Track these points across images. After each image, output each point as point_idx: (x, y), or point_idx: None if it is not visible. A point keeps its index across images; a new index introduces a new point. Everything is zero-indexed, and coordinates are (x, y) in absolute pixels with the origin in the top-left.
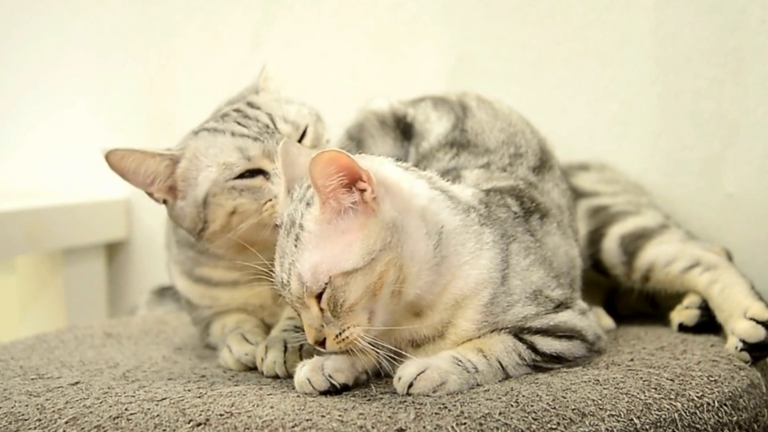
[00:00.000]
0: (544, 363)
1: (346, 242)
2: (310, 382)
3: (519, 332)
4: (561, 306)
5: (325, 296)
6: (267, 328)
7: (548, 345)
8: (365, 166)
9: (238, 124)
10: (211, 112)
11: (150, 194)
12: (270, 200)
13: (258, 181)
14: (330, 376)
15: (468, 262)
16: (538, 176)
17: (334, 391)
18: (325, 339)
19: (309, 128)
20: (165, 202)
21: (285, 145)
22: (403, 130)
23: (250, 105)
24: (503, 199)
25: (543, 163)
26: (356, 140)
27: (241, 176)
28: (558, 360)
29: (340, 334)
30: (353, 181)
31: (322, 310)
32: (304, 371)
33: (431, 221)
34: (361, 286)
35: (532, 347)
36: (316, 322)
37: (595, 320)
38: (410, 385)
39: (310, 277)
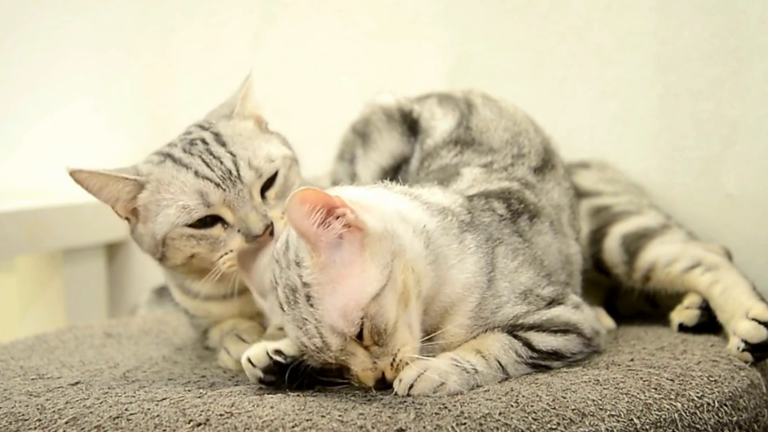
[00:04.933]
0: (542, 360)
1: (358, 269)
2: (250, 360)
3: (513, 329)
4: (553, 302)
5: (365, 331)
6: (264, 329)
7: (544, 341)
8: (334, 193)
9: (203, 162)
10: (186, 128)
11: (114, 209)
12: (226, 254)
13: (216, 230)
14: (278, 352)
15: (455, 266)
16: (538, 176)
17: (278, 370)
18: (383, 375)
19: (279, 175)
20: (128, 219)
21: (240, 257)
22: (410, 125)
23: (218, 138)
24: (488, 203)
25: (545, 163)
26: (362, 135)
27: (202, 222)
28: (556, 356)
29: (394, 360)
30: (330, 211)
31: (366, 348)
32: (246, 353)
33: (411, 221)
34: (393, 301)
35: (528, 344)
36: (368, 362)
37: (592, 314)
38: (410, 387)
39: (343, 322)
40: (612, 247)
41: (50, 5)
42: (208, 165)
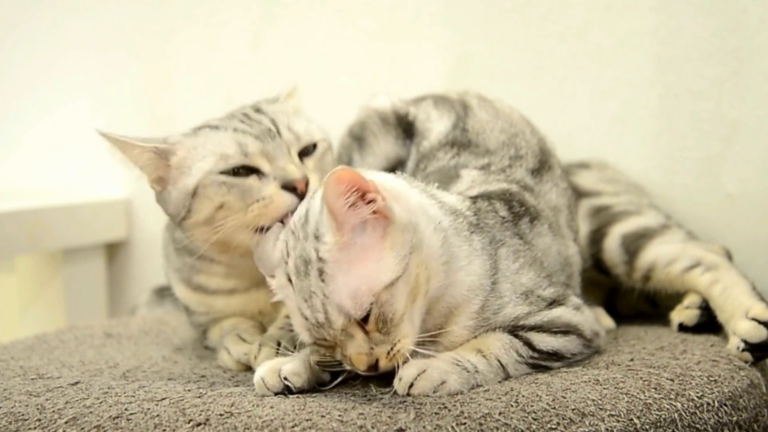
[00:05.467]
0: (543, 361)
1: (376, 256)
2: (264, 382)
3: (514, 330)
4: (554, 303)
5: (372, 317)
6: (265, 330)
7: (544, 341)
8: (369, 177)
9: (242, 122)
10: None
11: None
12: (258, 201)
13: (250, 180)
14: (285, 379)
15: (464, 268)
16: (535, 178)
17: (288, 393)
18: (377, 361)
19: (318, 148)
20: (154, 185)
21: (256, 252)
22: (405, 128)
23: (257, 110)
24: (491, 204)
25: (542, 165)
26: (358, 139)
27: (236, 173)
28: (556, 357)
29: (392, 349)
30: (363, 195)
31: (366, 332)
32: (260, 371)
33: (431, 217)
34: (404, 294)
35: (529, 344)
36: (365, 347)
37: (592, 316)
38: (410, 386)
39: (351, 304)
40: (612, 247)
41: (50, 5)
42: (246, 124)
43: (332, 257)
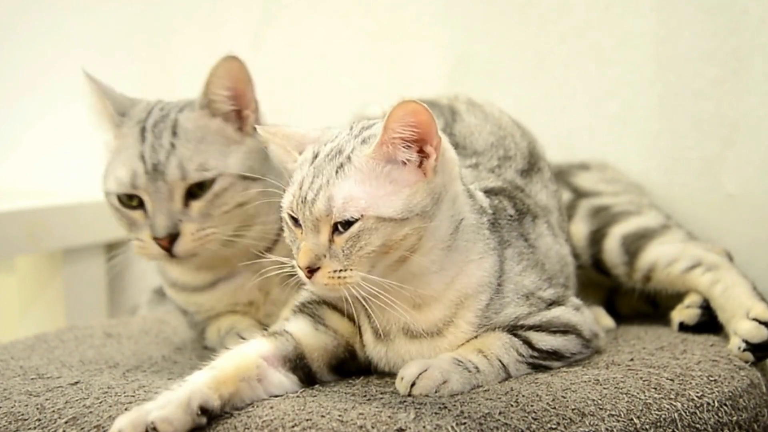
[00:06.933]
0: (542, 360)
1: (391, 191)
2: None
3: (513, 329)
4: (554, 304)
5: (348, 234)
6: (264, 327)
7: (543, 340)
8: (441, 134)
9: (151, 146)
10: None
11: None
12: (137, 239)
13: (136, 215)
14: (152, 423)
15: (474, 261)
16: (525, 179)
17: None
18: (317, 269)
19: (210, 190)
20: None
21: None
22: None
23: (175, 126)
24: (501, 202)
25: (531, 166)
26: None
27: (129, 197)
28: (556, 356)
29: (341, 271)
30: (422, 140)
31: (332, 241)
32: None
33: (457, 209)
34: (383, 238)
35: (528, 343)
36: (321, 249)
37: (592, 317)
38: (412, 385)
39: (339, 203)
40: (612, 247)
41: (50, 5)
42: (149, 144)
43: (358, 164)
